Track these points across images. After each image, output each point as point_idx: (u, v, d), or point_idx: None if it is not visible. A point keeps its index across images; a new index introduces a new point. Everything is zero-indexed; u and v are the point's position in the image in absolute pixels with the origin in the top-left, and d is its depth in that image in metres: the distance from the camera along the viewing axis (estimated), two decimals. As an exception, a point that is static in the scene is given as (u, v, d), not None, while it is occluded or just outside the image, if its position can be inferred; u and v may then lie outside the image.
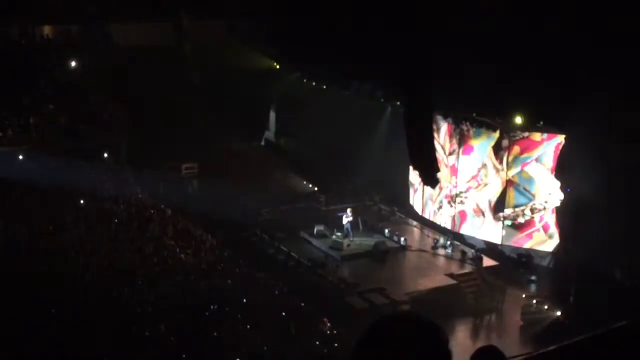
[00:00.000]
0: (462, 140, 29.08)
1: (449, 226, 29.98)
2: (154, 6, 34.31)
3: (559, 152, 26.24)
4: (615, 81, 20.73)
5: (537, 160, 26.99)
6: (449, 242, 28.65)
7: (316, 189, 34.28)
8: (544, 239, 27.19)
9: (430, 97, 24.06)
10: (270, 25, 35.87)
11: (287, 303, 22.82)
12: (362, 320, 21.75)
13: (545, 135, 26.82)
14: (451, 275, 26.52)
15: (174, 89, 33.72)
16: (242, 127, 36.15)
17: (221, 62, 35.38)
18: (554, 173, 26.48)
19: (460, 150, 29.20)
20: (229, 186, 29.48)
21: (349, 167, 33.04)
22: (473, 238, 28.97)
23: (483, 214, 28.73)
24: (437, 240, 29.09)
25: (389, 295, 24.63)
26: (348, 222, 28.77)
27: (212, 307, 22.16)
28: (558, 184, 26.30)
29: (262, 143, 39.86)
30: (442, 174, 29.25)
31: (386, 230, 29.61)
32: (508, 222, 27.89)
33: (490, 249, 28.32)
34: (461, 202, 29.40)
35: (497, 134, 27.82)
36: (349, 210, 29.12)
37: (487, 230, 28.63)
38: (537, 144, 27.03)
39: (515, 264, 27.57)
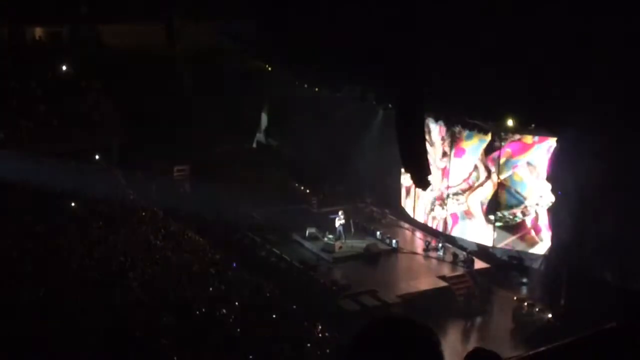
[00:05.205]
0: (453, 142, 29.12)
1: (440, 228, 30.01)
2: (146, 7, 34.21)
3: (550, 154, 26.29)
4: (608, 83, 20.77)
5: (529, 162, 27.04)
6: (440, 245, 28.66)
7: (308, 191, 34.24)
8: (535, 241, 27.24)
9: (422, 100, 24.12)
10: (262, 28, 35.83)
11: (278, 305, 22.78)
12: (354, 323, 21.76)
13: (536, 138, 26.87)
14: (443, 278, 26.53)
15: (165, 91, 33.60)
16: (234, 129, 36.06)
17: (213, 63, 35.29)
18: (545, 176, 26.52)
19: (452, 153, 29.22)
20: (221, 188, 29.40)
21: (340, 169, 33.00)
22: (464, 240, 29.00)
23: (474, 217, 28.77)
24: (429, 243, 29.10)
25: (380, 297, 24.61)
26: (340, 224, 28.75)
27: (203, 309, 22.13)
28: (549, 186, 26.35)
29: (254, 145, 39.78)
30: (434, 177, 29.33)
31: (378, 233, 29.60)
32: (499, 225, 27.94)
33: (482, 251, 28.34)
34: (453, 204, 29.42)
35: (488, 137, 27.87)
36: (340, 212, 29.13)
37: (478, 232, 28.66)
38: (528, 146, 27.09)
39: (506, 267, 27.60)
